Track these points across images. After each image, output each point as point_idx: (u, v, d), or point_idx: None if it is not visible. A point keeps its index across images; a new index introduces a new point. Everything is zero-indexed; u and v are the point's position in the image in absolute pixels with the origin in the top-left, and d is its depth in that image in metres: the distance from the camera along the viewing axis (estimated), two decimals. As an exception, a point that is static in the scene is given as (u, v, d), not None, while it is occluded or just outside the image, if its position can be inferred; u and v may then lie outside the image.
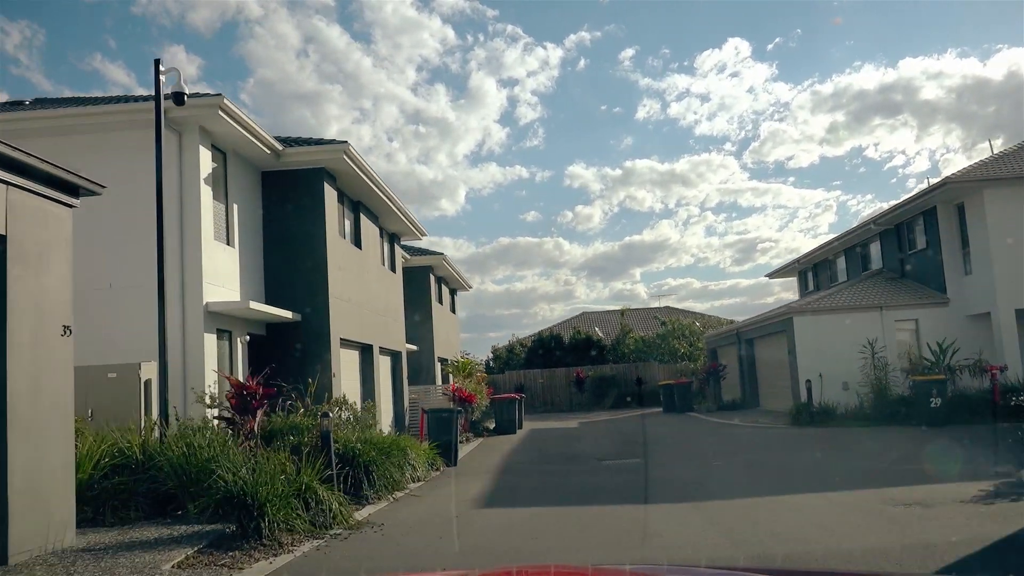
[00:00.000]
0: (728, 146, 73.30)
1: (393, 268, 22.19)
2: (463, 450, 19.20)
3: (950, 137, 72.57)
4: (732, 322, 38.41)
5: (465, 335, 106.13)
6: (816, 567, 6.15)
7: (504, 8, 71.46)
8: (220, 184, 14.04)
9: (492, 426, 25.36)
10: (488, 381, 38.53)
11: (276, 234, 15.54)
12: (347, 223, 17.86)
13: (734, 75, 68.04)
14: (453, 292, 34.59)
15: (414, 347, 26.42)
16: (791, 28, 66.66)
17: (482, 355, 46.83)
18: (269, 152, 14.75)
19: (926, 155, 71.81)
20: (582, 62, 71.84)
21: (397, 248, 22.87)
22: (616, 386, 37.98)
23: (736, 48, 65.46)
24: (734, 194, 73.25)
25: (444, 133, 78.84)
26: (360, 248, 18.38)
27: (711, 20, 66.79)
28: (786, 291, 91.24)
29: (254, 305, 13.23)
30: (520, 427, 26.20)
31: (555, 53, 70.98)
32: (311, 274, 15.48)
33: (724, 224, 77.24)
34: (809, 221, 73.84)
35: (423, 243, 27.54)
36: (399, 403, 21.88)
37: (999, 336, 21.25)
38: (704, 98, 71.44)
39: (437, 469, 15.09)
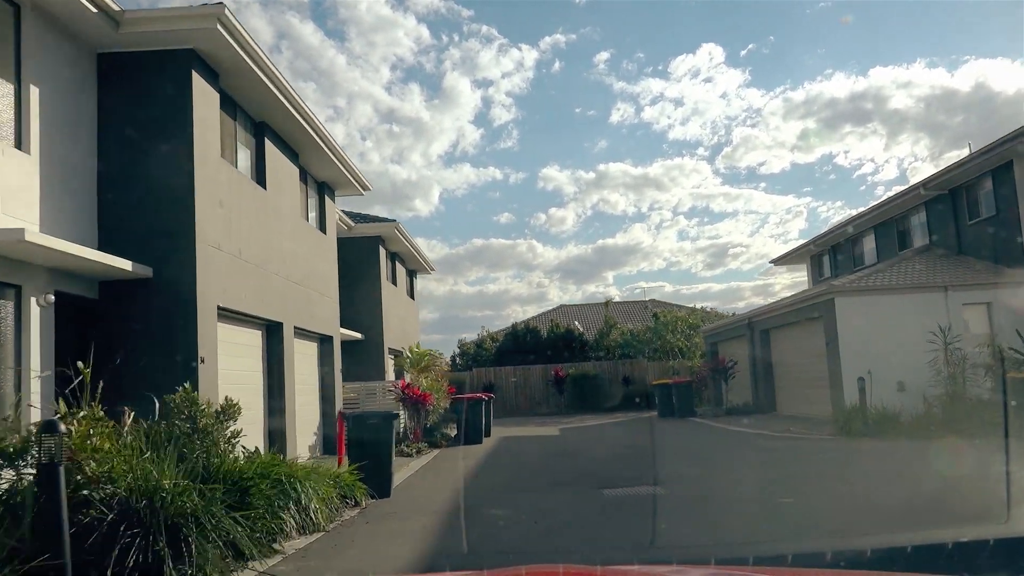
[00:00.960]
0: (701, 151, 74.32)
1: (323, 227, 16.94)
2: (409, 469, 14.05)
3: (918, 146, 73.17)
4: (734, 315, 33.59)
5: (437, 336, 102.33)
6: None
7: (479, 8, 69.56)
8: (4, 51, 8.76)
9: (454, 433, 20.23)
10: (454, 380, 33.34)
11: (119, 146, 10.24)
12: (242, 150, 12.59)
13: (708, 80, 69.15)
14: (412, 274, 29.35)
15: (357, 335, 21.20)
16: (764, 35, 67.59)
17: (452, 354, 41.65)
18: (96, 11, 9.44)
19: (895, 163, 73.43)
20: (557, 64, 71.15)
21: (331, 204, 17.63)
22: (600, 386, 32.98)
23: (710, 53, 66.30)
24: (706, 199, 74.76)
25: (418, 133, 75.96)
26: (264, 187, 13.14)
27: (685, 25, 67.88)
28: (757, 296, 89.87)
29: (34, 238, 7.87)
30: (488, 435, 21.09)
31: (530, 55, 70.03)
32: (168, 208, 10.22)
33: (696, 229, 78.43)
34: (780, 227, 75.56)
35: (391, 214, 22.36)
36: (328, 405, 16.65)
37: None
38: (678, 103, 72.16)
39: (357, 504, 9.94)
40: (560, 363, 34.22)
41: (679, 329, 35.64)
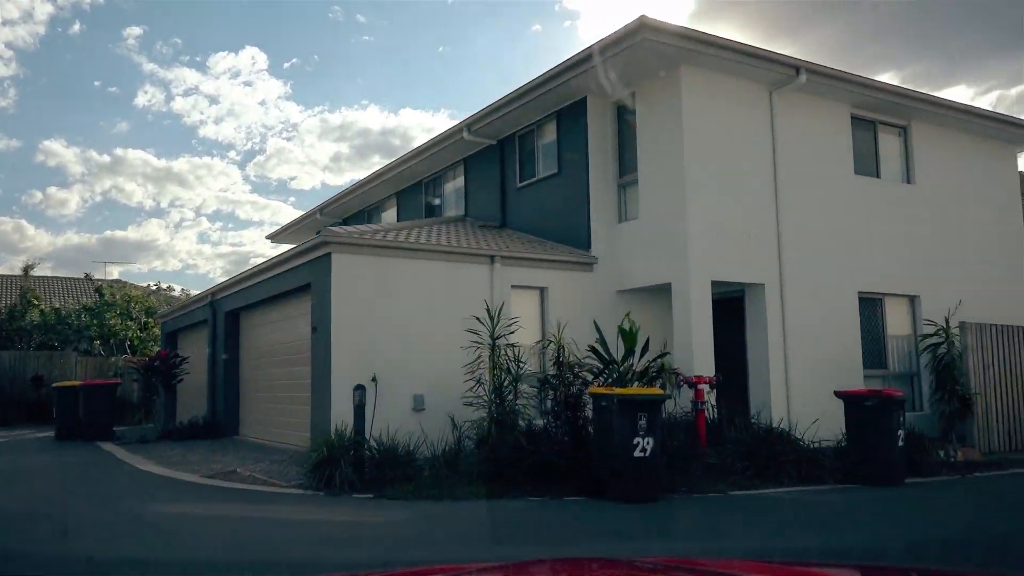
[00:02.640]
0: (233, 154, 69.53)
1: None
2: None
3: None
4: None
5: None
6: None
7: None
8: None
9: None
10: None
11: None
12: None
13: (248, 84, 67.13)
14: None
15: None
16: (309, 53, 66.54)
17: None
18: None
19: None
20: (77, 26, 58.73)
21: None
22: (-8, 388, 21.55)
23: (253, 58, 62.86)
24: (233, 204, 70.52)
25: None
26: None
27: (230, 23, 63.06)
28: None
29: None
30: None
31: (44, 7, 56.13)
32: None
33: (219, 233, 73.17)
34: (304, 244, 71.41)
35: None
36: None
37: (685, 325, 11.91)
38: (213, 100, 67.70)
39: None
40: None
41: (133, 313, 25.71)
